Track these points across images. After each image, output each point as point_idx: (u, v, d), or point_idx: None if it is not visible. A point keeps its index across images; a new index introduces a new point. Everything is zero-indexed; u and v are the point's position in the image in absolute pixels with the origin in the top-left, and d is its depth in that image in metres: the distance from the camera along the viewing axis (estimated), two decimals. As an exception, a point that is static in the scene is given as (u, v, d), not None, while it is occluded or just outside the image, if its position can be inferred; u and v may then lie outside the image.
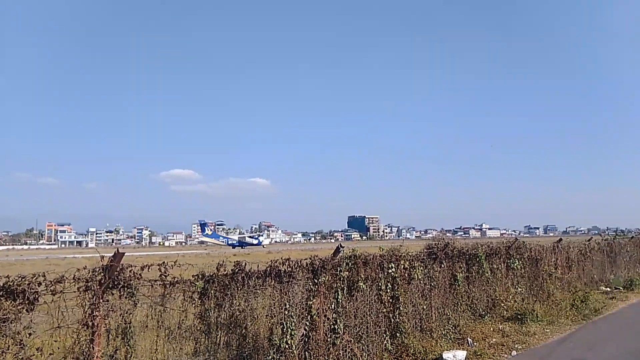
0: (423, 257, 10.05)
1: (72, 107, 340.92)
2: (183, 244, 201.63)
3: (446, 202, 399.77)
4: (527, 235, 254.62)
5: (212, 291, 6.35)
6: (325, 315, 7.55)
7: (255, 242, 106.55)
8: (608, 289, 16.67)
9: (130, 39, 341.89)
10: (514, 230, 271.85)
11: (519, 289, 12.55)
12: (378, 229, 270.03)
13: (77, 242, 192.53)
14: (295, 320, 7.02)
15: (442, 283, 10.35)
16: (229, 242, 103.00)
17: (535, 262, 13.77)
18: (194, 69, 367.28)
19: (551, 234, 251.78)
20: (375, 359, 8.15)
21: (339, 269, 7.83)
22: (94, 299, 5.18)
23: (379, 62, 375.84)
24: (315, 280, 7.44)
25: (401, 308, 8.94)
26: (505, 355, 8.82)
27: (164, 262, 5.83)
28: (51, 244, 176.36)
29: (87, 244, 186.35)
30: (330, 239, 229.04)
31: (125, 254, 5.45)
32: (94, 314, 5.14)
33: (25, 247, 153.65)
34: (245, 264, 6.74)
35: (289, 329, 6.86)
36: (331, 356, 7.43)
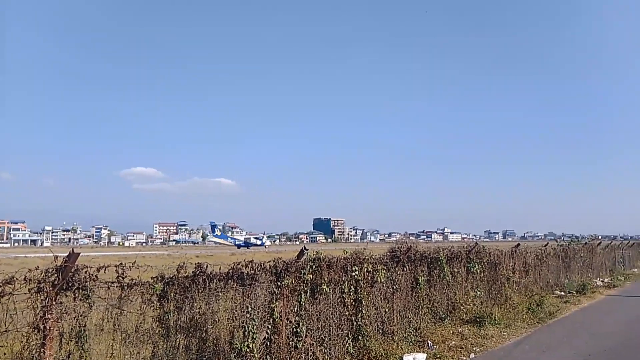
0: (386, 261, 10.15)
1: (28, 99, 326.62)
2: (144, 244, 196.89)
3: (410, 205, 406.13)
4: (487, 239, 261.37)
5: (172, 294, 6.19)
6: (287, 319, 7.50)
7: (259, 242, 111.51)
8: (562, 293, 17.27)
9: (94, 31, 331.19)
10: (475, 235, 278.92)
11: (478, 293, 12.84)
12: (343, 232, 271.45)
13: (32, 240, 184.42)
14: (257, 323, 6.94)
15: (404, 286, 10.47)
16: (236, 243, 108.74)
17: (494, 267, 14.13)
18: (161, 64, 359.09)
19: (510, 239, 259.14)
20: (337, 362, 8.16)
21: (302, 272, 7.80)
22: (46, 301, 4.95)
23: (351, 61, 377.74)
24: (279, 283, 7.39)
25: (364, 311, 8.99)
26: (464, 358, 8.99)
27: (121, 263, 5.65)
28: (3, 243, 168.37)
29: (42, 243, 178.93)
30: (296, 241, 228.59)
31: (82, 254, 5.26)
32: (46, 316, 4.92)
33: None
34: (207, 266, 6.61)
35: (250, 332, 6.78)
36: (293, 359, 7.39)
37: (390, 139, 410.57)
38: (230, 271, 6.85)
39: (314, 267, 8.04)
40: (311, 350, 7.69)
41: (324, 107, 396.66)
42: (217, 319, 6.73)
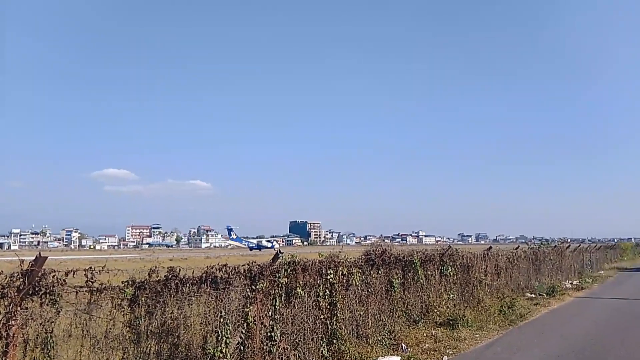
0: (361, 264, 10.18)
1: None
2: (116, 247, 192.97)
3: (386, 209, 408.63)
4: (461, 242, 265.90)
5: (143, 298, 6.06)
6: (262, 323, 7.44)
7: (269, 245, 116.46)
8: (533, 295, 17.63)
9: (61, 26, 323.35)
10: (449, 238, 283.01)
11: (452, 295, 13.00)
12: (319, 235, 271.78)
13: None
14: (230, 327, 6.86)
15: (379, 289, 10.52)
16: (249, 245, 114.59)
17: (466, 269, 14.33)
18: (137, 64, 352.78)
19: (482, 242, 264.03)
20: (312, 366, 8.14)
21: (277, 276, 7.75)
22: (10, 307, 4.80)
23: (330, 61, 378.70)
24: (253, 287, 7.32)
25: (338, 314, 8.98)
26: (437, 360, 9.08)
27: (91, 267, 5.52)
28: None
29: (9, 246, 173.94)
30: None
31: (52, 258, 5.12)
32: (10, 323, 4.77)
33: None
34: (180, 269, 6.51)
35: (224, 337, 6.69)
36: (267, 364, 7.34)
37: (367, 142, 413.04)
38: (204, 275, 6.75)
39: (289, 270, 8.00)
40: (285, 354, 7.64)
41: (300, 109, 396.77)
42: (189, 324, 6.62)
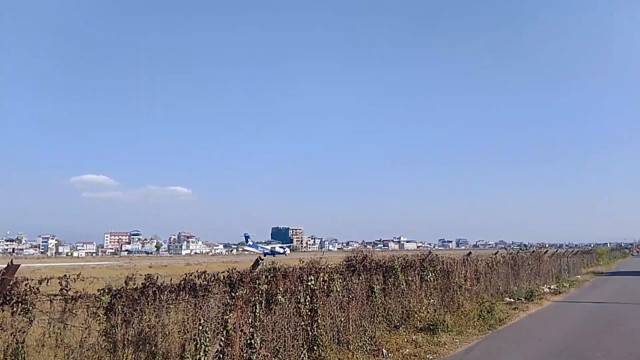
0: (342, 270, 10.17)
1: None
2: (94, 255, 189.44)
3: (368, 215, 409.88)
4: (442, 248, 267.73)
5: (120, 306, 5.94)
6: (241, 330, 7.37)
7: (282, 251, 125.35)
8: (512, 300, 17.83)
9: (40, 30, 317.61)
10: (430, 243, 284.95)
11: (432, 300, 13.07)
12: (301, 241, 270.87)
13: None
14: (209, 335, 6.78)
15: (360, 295, 10.52)
16: (264, 251, 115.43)
17: (446, 275, 14.44)
18: (114, 69, 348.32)
19: (463, 247, 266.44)
20: (292, 373, 8.08)
21: (257, 282, 7.70)
22: (-21, 317, 4.66)
23: (293, 67, 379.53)
24: (233, 294, 7.26)
25: (319, 321, 8.95)
26: (418, 366, 9.12)
27: (65, 275, 5.39)
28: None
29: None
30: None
31: (27, 266, 5.02)
32: (-21, 333, 4.63)
33: None
34: (158, 277, 6.40)
35: (202, 345, 6.61)
36: (247, 372, 7.26)
37: (349, 148, 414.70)
38: (182, 282, 6.66)
39: (269, 277, 7.96)
40: (265, 361, 7.58)
41: (280, 115, 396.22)
42: (167, 332, 6.50)
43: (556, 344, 10.58)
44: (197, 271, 6.94)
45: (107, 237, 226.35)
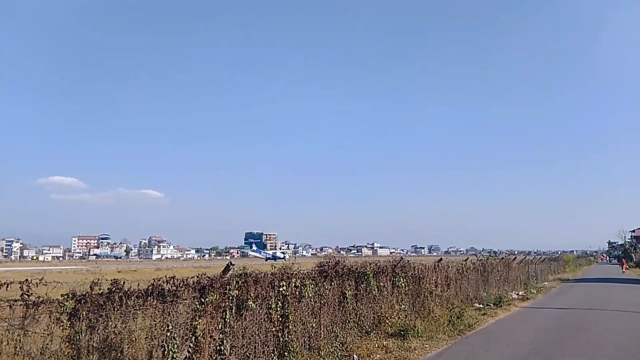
0: (314, 275, 10.15)
1: None
2: (61, 259, 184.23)
3: (342, 220, 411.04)
4: (414, 254, 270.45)
5: (84, 312, 5.77)
6: (211, 336, 7.26)
7: (282, 256, 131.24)
8: (481, 306, 18.12)
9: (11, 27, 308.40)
10: (403, 249, 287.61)
11: (403, 306, 13.17)
12: (275, 246, 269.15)
13: None
14: (178, 341, 6.65)
15: (331, 301, 10.52)
16: (266, 257, 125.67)
17: (418, 280, 14.58)
18: (86, 69, 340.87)
19: (435, 254, 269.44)
20: (262, 380, 8.01)
21: (228, 288, 7.61)
22: None
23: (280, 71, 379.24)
24: (202, 300, 7.15)
25: (290, 326, 8.91)
26: (388, 371, 9.15)
27: (27, 280, 5.22)
28: None
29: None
30: (226, 255, 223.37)
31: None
32: None
33: None
34: (124, 282, 6.26)
35: (170, 352, 6.48)
36: (215, 379, 7.16)
37: (322, 153, 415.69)
38: (150, 288, 6.53)
39: (240, 282, 7.87)
40: (235, 368, 7.49)
41: (252, 120, 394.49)
42: (134, 338, 6.35)
43: (524, 349, 10.78)
44: (165, 276, 6.81)
45: (75, 240, 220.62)
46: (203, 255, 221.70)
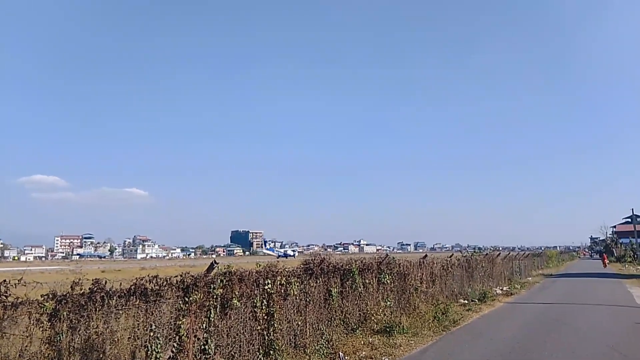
0: (300, 273, 10.14)
1: None
2: (43, 259, 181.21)
3: (328, 218, 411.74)
4: (400, 251, 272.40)
5: (65, 312, 5.68)
6: (195, 336, 7.19)
7: (292, 254, 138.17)
8: (466, 301, 18.27)
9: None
10: (389, 246, 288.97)
11: (389, 303, 13.21)
12: (261, 245, 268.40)
13: None
14: (161, 341, 6.58)
15: (317, 298, 10.52)
16: (278, 255, 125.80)
17: (403, 277, 14.64)
18: (70, 66, 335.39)
19: (421, 250, 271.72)
20: (247, 378, 7.97)
21: (212, 287, 7.54)
22: None
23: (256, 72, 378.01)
24: (186, 299, 7.07)
25: (276, 325, 8.88)
26: (373, 368, 9.18)
27: (5, 280, 5.11)
28: None
29: None
30: (212, 254, 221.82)
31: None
32: None
33: None
34: (106, 281, 6.17)
35: (154, 352, 6.40)
36: (200, 378, 7.10)
37: (309, 151, 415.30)
38: (133, 287, 6.45)
39: (224, 281, 7.82)
40: (220, 367, 7.44)
41: (239, 119, 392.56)
42: (116, 339, 6.27)
43: (507, 344, 10.91)
44: (148, 275, 6.74)
45: (57, 240, 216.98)
46: (189, 254, 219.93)
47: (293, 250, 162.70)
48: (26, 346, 5.32)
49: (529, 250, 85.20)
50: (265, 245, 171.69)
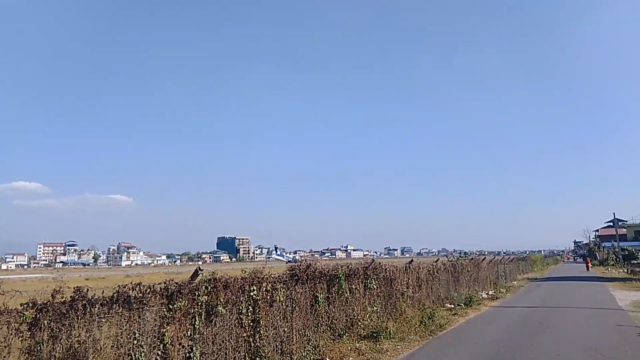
0: (286, 279, 10.09)
1: None
2: (25, 267, 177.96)
3: (315, 224, 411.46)
4: (387, 256, 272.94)
5: (46, 321, 5.58)
6: (180, 343, 7.11)
7: (299, 259, 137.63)
8: (452, 306, 18.35)
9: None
10: (376, 251, 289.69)
11: (375, 308, 13.21)
12: (248, 251, 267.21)
13: None
14: (145, 350, 6.50)
15: (303, 304, 10.47)
16: (287, 260, 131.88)
17: (389, 282, 14.65)
18: (51, 70, 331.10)
19: (407, 255, 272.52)
20: (233, 386, 7.89)
21: (197, 294, 7.48)
22: None
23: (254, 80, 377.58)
24: (170, 306, 7.00)
25: (262, 331, 8.82)
26: (360, 373, 9.15)
27: (-17, 290, 5.00)
28: None
29: None
30: (198, 260, 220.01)
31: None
32: None
33: None
34: (88, 289, 6.08)
35: (137, 360, 6.32)
36: (185, 386, 7.01)
37: (295, 157, 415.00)
38: (115, 295, 6.35)
39: (209, 288, 7.76)
40: (205, 375, 7.36)
41: (224, 124, 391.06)
42: (99, 347, 6.17)
43: (492, 347, 10.98)
44: (131, 283, 6.65)
45: (40, 247, 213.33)
46: (174, 261, 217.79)
47: (300, 257, 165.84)
48: (4, 357, 5.21)
49: (514, 254, 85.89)
50: (276, 251, 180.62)
